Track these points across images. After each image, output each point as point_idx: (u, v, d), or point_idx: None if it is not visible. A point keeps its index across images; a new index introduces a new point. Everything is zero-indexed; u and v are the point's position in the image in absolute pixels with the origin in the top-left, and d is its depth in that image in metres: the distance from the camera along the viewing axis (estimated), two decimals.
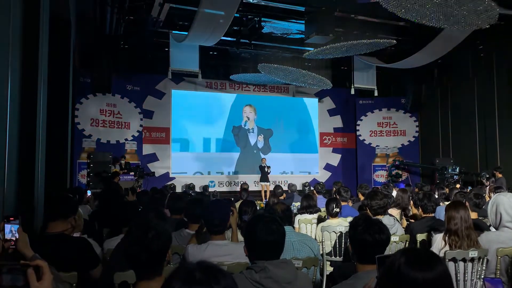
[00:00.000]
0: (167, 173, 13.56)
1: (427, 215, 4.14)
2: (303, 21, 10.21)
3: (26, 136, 3.04)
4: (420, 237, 3.78)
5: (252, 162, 14.31)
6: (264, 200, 11.58)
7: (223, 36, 9.66)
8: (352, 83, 12.45)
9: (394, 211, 4.68)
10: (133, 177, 10.94)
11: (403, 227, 4.32)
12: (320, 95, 15.54)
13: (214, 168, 14.24)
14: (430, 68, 12.81)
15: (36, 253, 1.92)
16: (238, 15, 9.42)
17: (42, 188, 3.56)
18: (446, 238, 3.09)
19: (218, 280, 1.09)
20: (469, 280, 2.99)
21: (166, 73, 10.83)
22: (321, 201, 6.28)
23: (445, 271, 1.30)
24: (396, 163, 14.34)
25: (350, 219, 4.37)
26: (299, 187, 13.53)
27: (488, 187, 8.16)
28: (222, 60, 13.26)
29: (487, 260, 3.04)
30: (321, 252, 3.93)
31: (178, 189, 12.96)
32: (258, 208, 4.42)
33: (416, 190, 8.03)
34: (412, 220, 4.77)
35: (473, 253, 2.95)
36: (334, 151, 15.76)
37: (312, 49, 9.98)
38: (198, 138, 14.24)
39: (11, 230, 1.91)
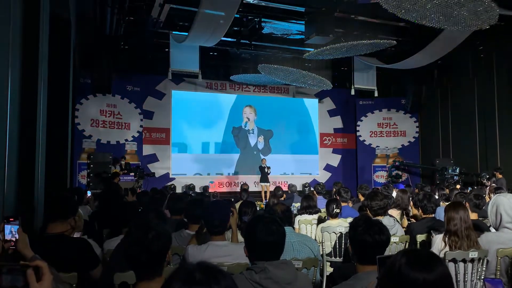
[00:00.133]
0: (167, 174, 13.56)
1: (427, 215, 4.13)
2: (303, 22, 10.22)
3: (26, 136, 3.04)
4: (420, 237, 3.78)
5: (252, 163, 14.30)
6: (264, 200, 11.58)
7: (223, 36, 9.66)
8: (352, 84, 12.44)
9: (394, 212, 4.68)
10: (133, 177, 10.96)
11: (404, 227, 4.32)
12: (320, 96, 15.54)
13: (214, 169, 14.22)
14: (430, 69, 12.80)
15: (36, 254, 1.92)
16: (238, 15, 9.42)
17: (42, 188, 3.57)
18: (446, 238, 3.09)
19: (218, 281, 1.09)
20: (469, 281, 2.98)
21: (166, 74, 10.82)
22: (321, 201, 6.27)
23: (446, 272, 1.31)
24: (396, 163, 14.32)
25: (350, 219, 4.36)
26: (299, 188, 13.51)
27: (488, 188, 8.15)
28: (222, 61, 13.25)
29: (487, 261, 3.04)
30: (321, 253, 3.92)
31: (178, 190, 12.95)
32: (258, 208, 4.42)
33: (416, 190, 8.01)
34: (413, 220, 4.77)
35: (473, 254, 2.95)
36: (334, 151, 15.76)
37: (312, 49, 9.99)
38: (198, 138, 14.23)
39: (11, 231, 1.92)
